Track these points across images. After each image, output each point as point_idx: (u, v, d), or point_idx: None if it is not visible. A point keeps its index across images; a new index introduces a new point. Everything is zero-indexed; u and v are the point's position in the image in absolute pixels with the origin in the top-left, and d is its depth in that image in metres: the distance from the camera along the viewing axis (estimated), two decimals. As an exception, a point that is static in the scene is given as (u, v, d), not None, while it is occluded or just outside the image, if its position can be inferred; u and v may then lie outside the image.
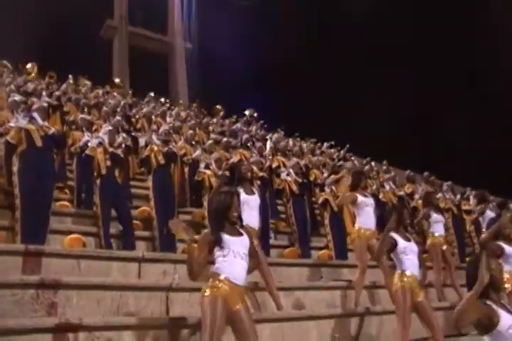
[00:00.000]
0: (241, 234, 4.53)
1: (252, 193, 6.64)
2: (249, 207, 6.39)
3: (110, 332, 4.81)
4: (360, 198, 7.52)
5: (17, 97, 9.28)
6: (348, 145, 17.30)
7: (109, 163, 8.05)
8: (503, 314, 3.60)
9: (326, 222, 9.63)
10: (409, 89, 24.66)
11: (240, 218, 4.64)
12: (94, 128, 10.72)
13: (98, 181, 7.99)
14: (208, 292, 4.28)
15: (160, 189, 8.50)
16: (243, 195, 6.29)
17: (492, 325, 3.57)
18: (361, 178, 7.85)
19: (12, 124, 7.42)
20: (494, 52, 23.66)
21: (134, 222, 8.36)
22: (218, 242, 4.38)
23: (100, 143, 8.25)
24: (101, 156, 8.06)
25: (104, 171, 7.96)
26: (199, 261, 4.38)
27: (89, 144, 8.46)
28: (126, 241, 7.73)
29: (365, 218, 7.49)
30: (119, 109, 12.84)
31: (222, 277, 4.30)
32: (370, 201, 7.66)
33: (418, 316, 5.79)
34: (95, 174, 8.07)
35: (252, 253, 4.63)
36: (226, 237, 4.40)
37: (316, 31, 28.42)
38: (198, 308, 5.85)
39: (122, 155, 8.53)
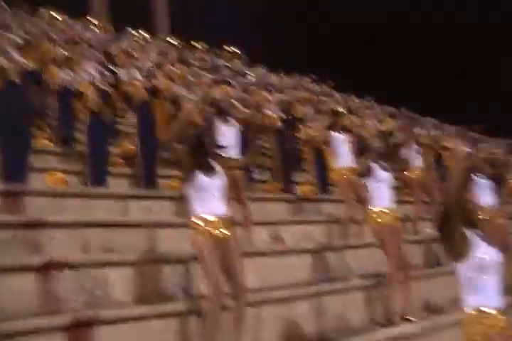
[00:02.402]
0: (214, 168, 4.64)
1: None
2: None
3: (97, 269, 4.84)
4: (334, 135, 8.06)
5: None
6: (329, 81, 17.19)
7: (99, 100, 8.00)
8: None
9: (309, 157, 9.69)
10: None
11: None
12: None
13: (88, 118, 7.99)
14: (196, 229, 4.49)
15: (144, 126, 8.45)
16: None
17: None
18: (336, 119, 8.42)
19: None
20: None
21: (116, 159, 8.39)
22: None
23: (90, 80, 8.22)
24: (92, 94, 8.02)
25: (95, 109, 7.94)
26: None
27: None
28: (98, 177, 7.65)
29: (343, 157, 7.95)
30: (97, 45, 12.52)
31: (201, 214, 4.48)
32: (344, 138, 8.09)
33: None
34: (85, 111, 8.06)
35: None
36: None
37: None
38: (184, 244, 5.96)
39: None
